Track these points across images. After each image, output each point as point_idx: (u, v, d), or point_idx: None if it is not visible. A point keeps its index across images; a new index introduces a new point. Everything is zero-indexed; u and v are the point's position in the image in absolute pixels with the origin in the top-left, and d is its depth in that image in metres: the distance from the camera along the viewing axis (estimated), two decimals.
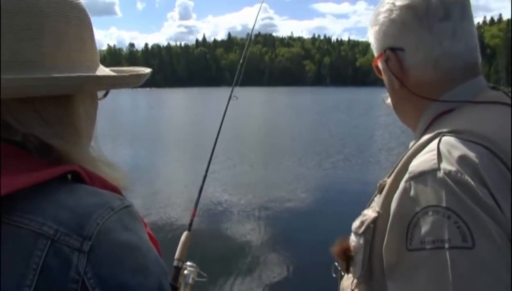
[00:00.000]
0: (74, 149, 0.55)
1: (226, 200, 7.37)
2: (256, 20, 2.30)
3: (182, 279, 1.29)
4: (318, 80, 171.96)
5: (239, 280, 4.39)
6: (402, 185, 0.67)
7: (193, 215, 1.53)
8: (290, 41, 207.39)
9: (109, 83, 0.59)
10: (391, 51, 0.82)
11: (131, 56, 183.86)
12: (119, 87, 0.61)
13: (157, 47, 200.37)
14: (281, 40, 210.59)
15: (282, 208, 6.88)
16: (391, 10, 0.81)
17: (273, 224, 6.10)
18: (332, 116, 25.45)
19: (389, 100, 0.92)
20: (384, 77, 0.87)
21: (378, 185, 0.80)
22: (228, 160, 10.66)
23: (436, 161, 0.64)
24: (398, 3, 0.80)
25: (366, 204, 0.86)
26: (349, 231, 0.83)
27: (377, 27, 0.85)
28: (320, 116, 25.68)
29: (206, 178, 1.69)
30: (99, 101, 0.65)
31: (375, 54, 0.87)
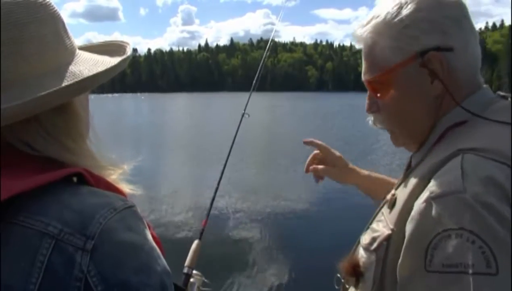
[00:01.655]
0: (78, 156, 0.56)
1: (234, 207, 7.33)
2: (273, 34, 2.41)
3: (187, 287, 1.28)
4: (320, 86, 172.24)
5: (239, 284, 4.37)
6: (422, 204, 0.64)
7: (204, 225, 1.55)
8: (292, 47, 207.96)
9: (104, 77, 0.59)
10: (437, 52, 0.73)
11: (134, 61, 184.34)
12: (112, 75, 0.60)
13: (159, 52, 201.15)
14: (284, 45, 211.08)
15: (291, 218, 6.83)
16: (431, 7, 0.74)
17: (283, 234, 6.05)
18: (336, 121, 25.41)
19: (370, 122, 0.87)
20: (402, 90, 0.78)
21: (387, 198, 0.78)
22: (239, 167, 10.63)
23: (460, 181, 0.61)
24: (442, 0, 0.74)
25: (372, 216, 0.83)
26: (351, 236, 0.83)
27: (402, 26, 0.75)
28: (323, 122, 25.66)
29: (217, 190, 1.72)
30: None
31: (391, 59, 0.77)
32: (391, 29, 0.76)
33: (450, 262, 0.58)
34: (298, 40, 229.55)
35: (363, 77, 0.83)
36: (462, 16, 0.74)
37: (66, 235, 0.47)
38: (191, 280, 1.29)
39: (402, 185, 0.76)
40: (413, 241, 0.64)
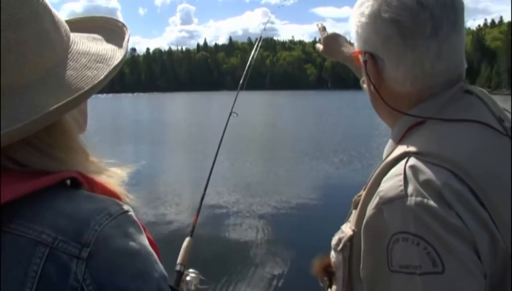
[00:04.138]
0: (70, 165, 0.54)
1: (228, 204, 7.34)
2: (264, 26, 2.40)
3: (184, 285, 1.27)
4: (319, 84, 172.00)
5: (241, 286, 4.37)
6: (373, 209, 0.68)
7: (195, 222, 1.55)
8: (291, 45, 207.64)
9: (102, 84, 0.55)
10: (371, 57, 0.78)
11: (133, 60, 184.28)
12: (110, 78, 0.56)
13: (158, 51, 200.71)
14: (282, 44, 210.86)
15: (285, 214, 6.86)
16: (375, 17, 0.76)
17: (276, 230, 6.07)
18: (335, 119, 25.41)
19: (365, 85, 0.89)
20: (362, 70, 0.84)
21: (353, 200, 0.80)
22: (230, 164, 10.65)
23: (403, 187, 0.65)
24: (383, 14, 0.74)
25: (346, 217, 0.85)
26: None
27: (359, 25, 0.79)
28: (322, 119, 25.66)
29: (207, 188, 1.71)
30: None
31: (355, 45, 0.83)
32: (355, 20, 0.81)
33: (402, 263, 0.62)
34: (297, 38, 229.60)
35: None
36: (395, 33, 0.73)
37: (60, 243, 0.45)
38: (187, 278, 1.28)
39: (368, 183, 0.78)
40: (370, 244, 0.68)
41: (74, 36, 0.59)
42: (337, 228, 0.79)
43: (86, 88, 0.52)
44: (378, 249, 0.66)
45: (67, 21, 0.62)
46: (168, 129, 23.41)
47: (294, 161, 11.66)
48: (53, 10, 0.55)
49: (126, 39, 0.62)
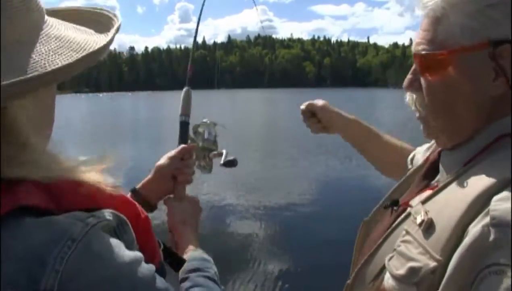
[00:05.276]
0: (25, 166, 0.44)
1: (227, 202, 7.33)
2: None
3: (198, 138, 1.16)
4: (318, 82, 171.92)
5: (241, 286, 4.37)
6: (478, 229, 0.54)
7: (191, 71, 1.32)
8: (290, 43, 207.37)
9: (58, 77, 0.45)
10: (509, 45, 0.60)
11: (132, 59, 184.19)
12: (74, 73, 0.47)
13: (157, 50, 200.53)
14: (281, 41, 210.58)
15: (286, 212, 6.84)
16: None
17: (276, 228, 6.05)
18: None
19: (407, 99, 0.78)
20: (457, 75, 0.65)
21: (411, 210, 0.67)
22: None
23: None
24: None
25: (389, 227, 0.73)
26: (352, 232, 0.76)
27: (485, 3, 0.61)
28: None
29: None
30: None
31: (453, 38, 0.64)
32: (469, 4, 0.62)
33: None
34: (295, 36, 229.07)
35: (414, 48, 0.70)
36: None
37: None
38: (199, 129, 1.16)
39: (436, 198, 0.65)
40: (460, 272, 0.56)
41: (53, 21, 0.51)
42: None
43: (41, 72, 0.43)
44: (465, 277, 0.54)
45: (54, 9, 0.56)
46: (168, 127, 23.38)
47: (294, 158, 11.66)
48: None
49: (111, 33, 0.54)
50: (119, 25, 0.55)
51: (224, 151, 1.15)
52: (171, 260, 0.75)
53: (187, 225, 0.95)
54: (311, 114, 1.18)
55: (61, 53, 0.46)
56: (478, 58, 0.62)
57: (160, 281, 0.49)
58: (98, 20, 0.57)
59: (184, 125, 1.15)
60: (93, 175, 0.51)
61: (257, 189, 8.34)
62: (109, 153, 0.56)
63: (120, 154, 0.57)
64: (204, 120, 1.18)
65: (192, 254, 0.84)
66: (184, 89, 1.23)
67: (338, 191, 8.22)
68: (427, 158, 0.83)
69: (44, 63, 0.43)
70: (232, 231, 5.96)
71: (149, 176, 1.00)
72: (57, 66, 0.44)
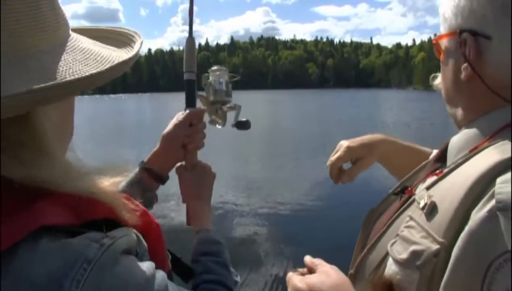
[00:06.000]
0: (42, 174, 0.44)
1: (229, 203, 7.33)
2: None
3: (208, 89, 1.01)
4: (321, 83, 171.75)
5: (241, 286, 4.38)
6: (484, 214, 0.53)
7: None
8: (293, 44, 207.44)
9: (83, 85, 0.45)
10: (471, 36, 0.64)
11: (135, 61, 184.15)
12: (99, 84, 0.48)
13: (160, 52, 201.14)
14: (284, 43, 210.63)
15: (288, 213, 6.84)
16: None
17: (278, 229, 6.05)
18: (337, 117, 25.37)
19: (437, 82, 0.80)
20: (445, 60, 0.72)
21: (415, 196, 0.68)
22: (232, 162, 10.66)
23: None
24: None
25: (393, 215, 0.73)
26: (356, 232, 0.74)
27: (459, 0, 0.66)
28: (325, 118, 25.62)
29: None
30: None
31: (443, 29, 0.71)
32: None
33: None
34: (298, 37, 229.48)
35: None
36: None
37: None
38: (211, 78, 1.01)
39: (440, 183, 0.65)
40: (466, 259, 0.54)
41: (78, 36, 0.53)
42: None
43: (69, 79, 0.43)
44: (477, 266, 0.53)
45: (79, 28, 0.57)
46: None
47: (297, 159, 11.65)
48: None
49: (137, 46, 0.56)
50: (142, 41, 0.57)
51: (238, 105, 1.03)
52: (181, 271, 0.72)
53: (200, 199, 0.91)
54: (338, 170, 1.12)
55: (87, 64, 0.47)
56: (454, 45, 0.69)
57: (172, 288, 0.49)
58: (117, 39, 0.58)
59: (190, 85, 0.98)
60: (108, 184, 0.51)
61: (261, 189, 8.32)
62: (119, 160, 0.55)
63: (128, 161, 0.54)
64: (214, 67, 1.02)
65: (203, 235, 0.82)
66: (187, 38, 1.03)
67: (342, 191, 8.20)
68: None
69: (72, 72, 0.44)
70: (236, 231, 5.96)
71: (157, 147, 0.94)
72: (85, 74, 0.44)
